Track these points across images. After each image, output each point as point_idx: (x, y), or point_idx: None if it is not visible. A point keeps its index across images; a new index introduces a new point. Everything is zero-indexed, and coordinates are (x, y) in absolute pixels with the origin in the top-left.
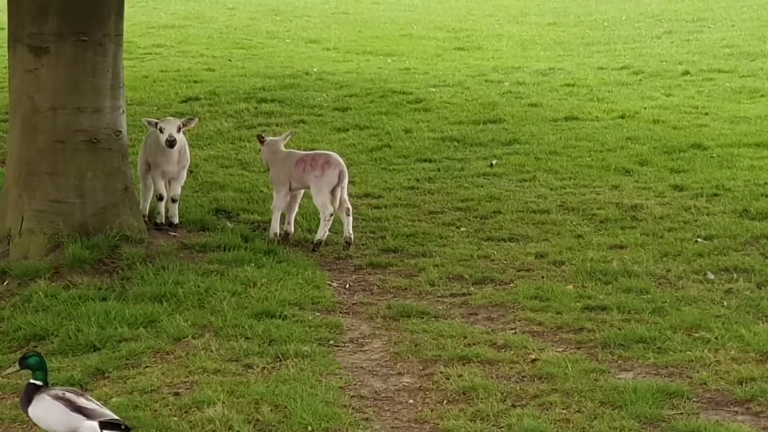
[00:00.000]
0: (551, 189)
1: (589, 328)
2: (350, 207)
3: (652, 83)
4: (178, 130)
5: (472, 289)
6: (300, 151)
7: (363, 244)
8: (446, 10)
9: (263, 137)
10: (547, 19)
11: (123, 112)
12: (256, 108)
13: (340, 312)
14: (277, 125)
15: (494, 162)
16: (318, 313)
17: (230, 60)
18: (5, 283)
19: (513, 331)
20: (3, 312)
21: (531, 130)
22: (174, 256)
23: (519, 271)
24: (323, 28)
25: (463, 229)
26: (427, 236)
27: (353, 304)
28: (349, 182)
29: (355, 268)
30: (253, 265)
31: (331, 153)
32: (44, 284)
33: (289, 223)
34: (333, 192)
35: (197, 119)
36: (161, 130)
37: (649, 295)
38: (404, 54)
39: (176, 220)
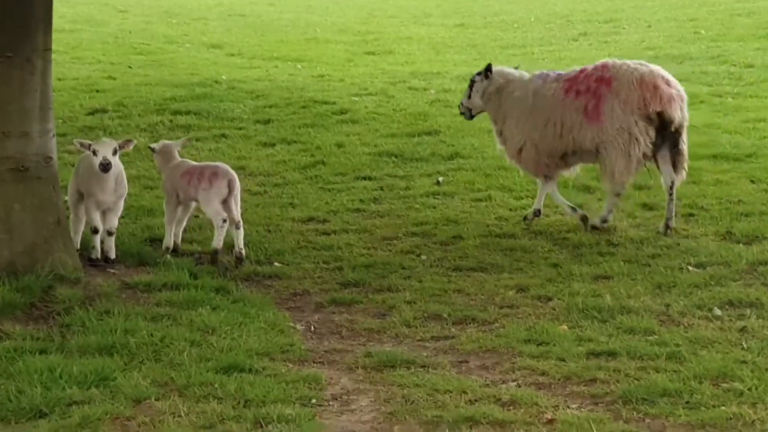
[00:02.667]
0: (511, 210)
1: (603, 379)
2: (241, 220)
3: None
4: (114, 153)
5: (454, 330)
6: (190, 162)
7: (319, 277)
8: (346, 12)
9: (153, 147)
10: (453, 20)
11: (53, 135)
12: (171, 121)
13: (314, 362)
14: (197, 140)
15: (441, 180)
16: (291, 365)
17: (130, 67)
18: None
19: (516, 384)
20: None
21: (471, 142)
22: (116, 298)
23: (502, 308)
24: (223, 31)
25: (424, 257)
26: (387, 267)
27: (326, 351)
28: (289, 204)
29: (316, 306)
30: (207, 306)
31: (220, 164)
32: None
33: (175, 235)
34: (226, 203)
35: (134, 141)
36: (95, 153)
37: (657, 337)
38: (313, 59)
39: (113, 255)
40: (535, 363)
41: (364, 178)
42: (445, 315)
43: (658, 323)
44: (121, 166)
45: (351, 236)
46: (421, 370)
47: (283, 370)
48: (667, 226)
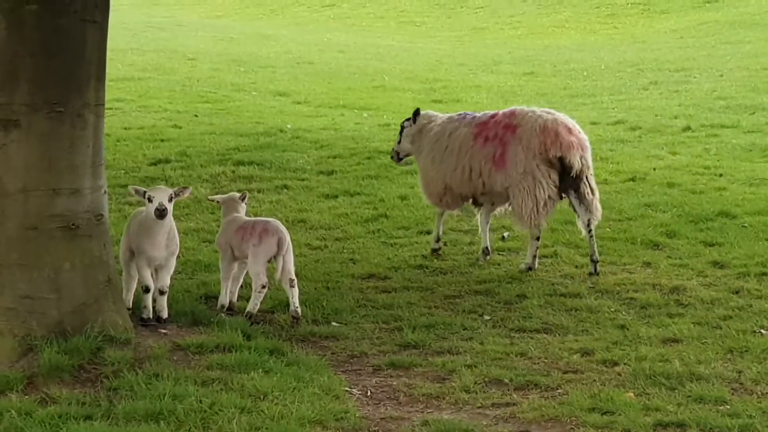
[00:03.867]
0: (576, 267)
1: None
2: (294, 278)
3: (653, 140)
4: (170, 200)
5: (515, 396)
6: (244, 217)
7: (378, 338)
8: (415, 59)
9: (215, 199)
10: (523, 68)
11: (105, 192)
12: (233, 172)
13: (369, 430)
14: (258, 191)
15: (506, 235)
16: None
17: (196, 116)
18: None
19: None
20: None
21: None
22: (167, 360)
23: (566, 372)
24: (290, 79)
25: (487, 317)
26: (448, 327)
27: (382, 419)
28: (349, 260)
29: (373, 369)
30: (260, 370)
31: (271, 220)
32: (17, 399)
33: (232, 292)
34: (275, 262)
35: (190, 189)
36: (150, 199)
37: (729, 407)
38: (380, 108)
39: (165, 315)
40: None
41: (428, 233)
42: (506, 380)
43: (729, 392)
44: (173, 222)
45: (412, 294)
46: None
47: None
48: (593, 261)
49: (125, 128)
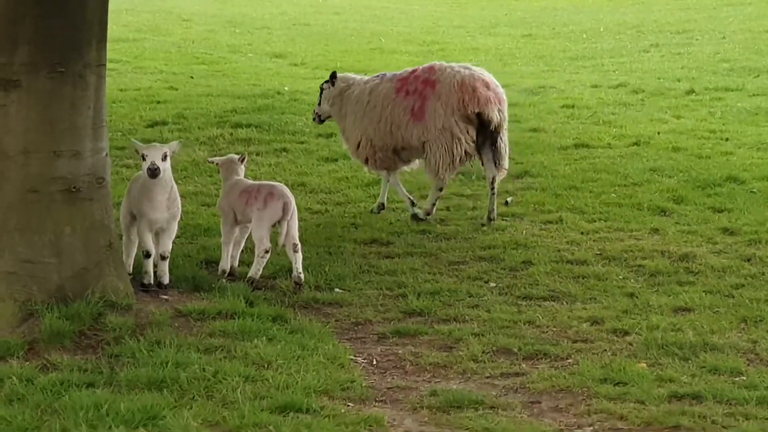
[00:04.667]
0: (582, 233)
1: (687, 426)
2: (298, 243)
3: (656, 103)
4: (163, 159)
5: (525, 366)
6: (248, 181)
7: (382, 305)
8: (412, 21)
9: (215, 161)
10: (521, 30)
11: (106, 155)
12: (231, 134)
13: (376, 401)
14: (257, 154)
15: (509, 199)
16: (351, 404)
17: (192, 77)
18: None
19: (592, 429)
20: None
21: (540, 160)
22: (169, 327)
23: (575, 342)
24: (287, 41)
25: (492, 284)
26: (453, 294)
27: (389, 388)
28: (351, 224)
29: (378, 337)
30: (263, 338)
31: (276, 184)
32: (17, 365)
33: (233, 257)
34: (279, 227)
35: (181, 142)
36: (144, 157)
37: (744, 378)
38: (377, 70)
39: (166, 280)
40: (612, 406)
41: None
42: (515, 349)
43: (745, 362)
44: (174, 184)
45: (416, 260)
46: (490, 411)
47: (342, 410)
48: (489, 218)
49: (121, 90)
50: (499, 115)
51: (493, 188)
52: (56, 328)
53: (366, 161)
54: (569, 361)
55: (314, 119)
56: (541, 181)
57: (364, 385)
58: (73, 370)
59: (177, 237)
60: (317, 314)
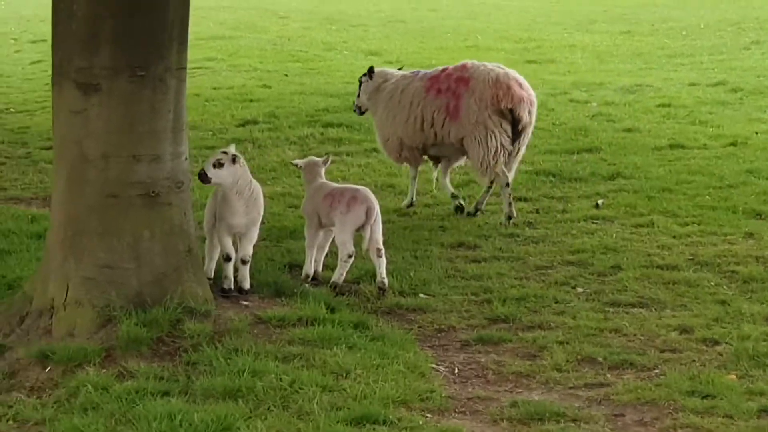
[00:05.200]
0: (674, 237)
1: None
2: (382, 248)
3: (755, 102)
4: (215, 167)
5: (610, 376)
6: (332, 184)
7: (467, 311)
8: (509, 18)
9: (298, 163)
10: (619, 26)
11: (186, 159)
12: (322, 134)
13: (456, 412)
14: (347, 154)
15: (600, 202)
16: (429, 415)
17: (286, 75)
18: (47, 370)
19: None
20: (45, 411)
21: (634, 161)
22: (247, 334)
23: (663, 351)
24: (382, 38)
25: (580, 289)
26: (539, 300)
27: (469, 399)
28: (438, 227)
29: (461, 344)
30: (343, 345)
31: (360, 188)
32: (94, 372)
33: (317, 261)
34: (363, 231)
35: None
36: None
37: None
38: None
39: (247, 285)
40: (699, 420)
41: (520, 199)
42: (600, 359)
43: None
44: (256, 188)
45: (502, 264)
46: (573, 425)
47: (420, 422)
48: (476, 209)
49: (215, 88)
50: (529, 116)
51: (490, 185)
52: (134, 335)
53: (396, 157)
54: (656, 371)
55: (354, 110)
56: (633, 183)
57: (443, 395)
58: (149, 378)
59: (261, 239)
60: (400, 320)
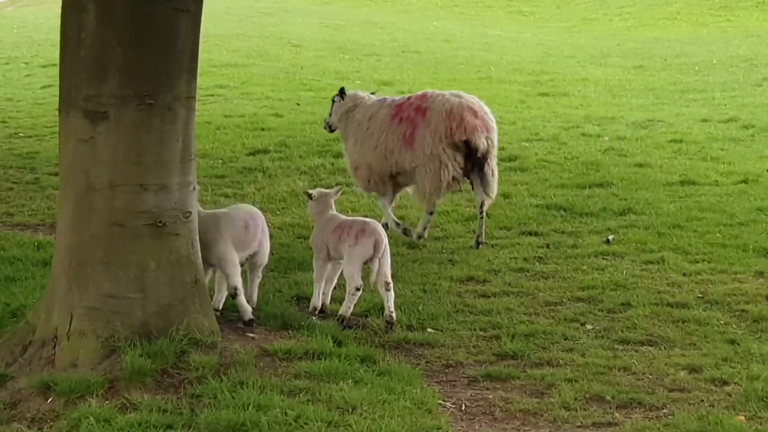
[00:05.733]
0: (684, 275)
1: None
2: (390, 282)
3: (766, 139)
4: None
5: (618, 415)
6: (342, 216)
7: (475, 347)
8: (522, 51)
9: (311, 194)
10: (632, 61)
11: (194, 189)
12: (332, 164)
13: None
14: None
15: (611, 238)
16: None
17: (298, 104)
18: (49, 401)
19: None
20: None
21: (645, 196)
22: (253, 367)
23: (671, 391)
24: (395, 68)
25: (589, 326)
26: (548, 336)
27: None
28: (448, 261)
29: (469, 381)
30: (349, 380)
31: (369, 221)
32: (96, 404)
33: (324, 294)
34: (371, 264)
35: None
36: None
37: None
38: (486, 100)
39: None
40: None
41: (530, 234)
42: (608, 397)
43: None
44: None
45: (512, 300)
46: None
47: None
48: (477, 242)
49: (226, 116)
50: (486, 142)
51: (482, 212)
52: (138, 366)
53: (366, 184)
54: (664, 411)
55: (325, 128)
56: (644, 219)
57: None
58: (152, 411)
59: (269, 270)
60: (408, 355)
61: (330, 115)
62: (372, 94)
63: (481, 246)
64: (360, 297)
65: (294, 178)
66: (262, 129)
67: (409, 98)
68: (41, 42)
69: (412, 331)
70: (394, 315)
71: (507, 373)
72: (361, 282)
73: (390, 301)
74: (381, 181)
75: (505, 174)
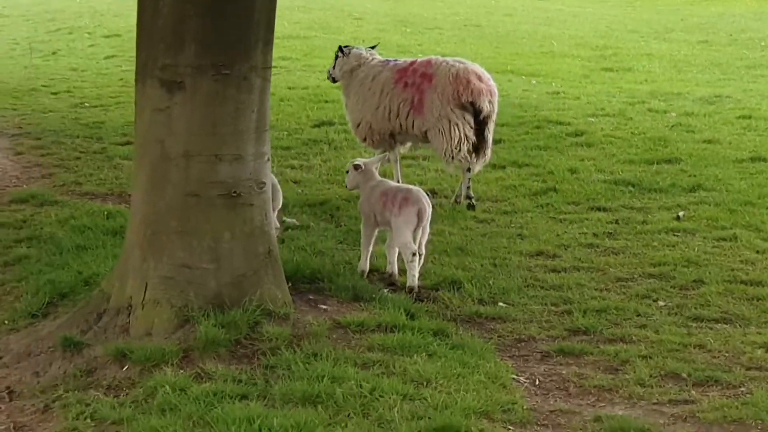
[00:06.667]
0: (758, 252)
1: None
2: (423, 252)
3: None
4: None
5: (694, 393)
6: (389, 183)
7: (546, 321)
8: (584, 25)
9: (359, 164)
10: (696, 36)
11: (268, 159)
12: None
13: (538, 424)
14: (423, 158)
15: (681, 214)
16: (511, 427)
17: None
18: (125, 369)
19: None
20: (122, 410)
21: (715, 173)
22: (326, 339)
23: (748, 369)
24: (457, 42)
25: (661, 303)
26: (621, 312)
27: (551, 411)
28: (517, 235)
29: (541, 355)
30: (423, 353)
31: (413, 188)
32: (171, 373)
33: (390, 263)
34: (414, 232)
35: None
36: None
37: None
38: (548, 74)
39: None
40: None
41: (599, 209)
42: (684, 375)
43: None
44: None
45: (582, 275)
46: None
47: None
48: (456, 201)
49: (289, 88)
50: (490, 106)
51: (469, 174)
52: (212, 336)
53: (364, 140)
54: (742, 389)
55: (328, 78)
56: (714, 196)
57: (525, 407)
58: (227, 381)
59: (338, 242)
60: (480, 329)
61: (333, 68)
62: (372, 48)
63: (458, 204)
64: (421, 263)
65: (360, 150)
66: (326, 101)
67: (412, 63)
68: (103, 12)
69: (483, 305)
70: (416, 285)
71: (580, 349)
72: (415, 247)
73: (415, 269)
74: (380, 137)
75: (571, 149)
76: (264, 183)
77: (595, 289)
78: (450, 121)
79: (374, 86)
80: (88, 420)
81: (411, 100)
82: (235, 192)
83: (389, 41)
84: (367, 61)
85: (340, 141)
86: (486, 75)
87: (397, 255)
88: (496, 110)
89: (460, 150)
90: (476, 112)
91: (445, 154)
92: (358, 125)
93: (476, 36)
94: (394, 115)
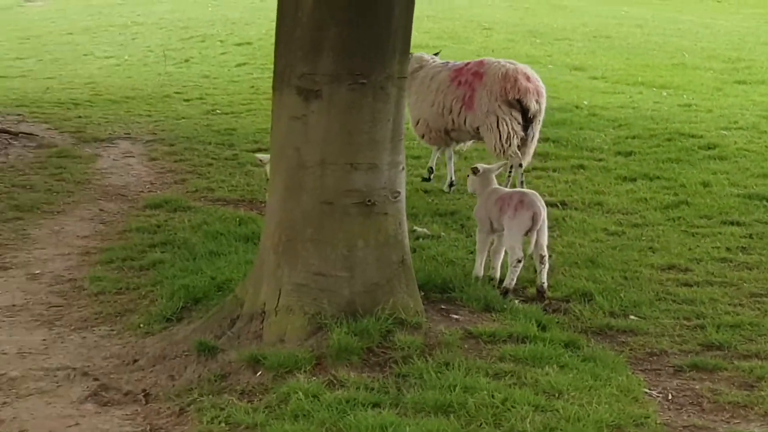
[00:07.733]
0: None
1: None
2: (546, 254)
3: None
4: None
5: None
6: (504, 189)
7: (679, 336)
8: (717, 37)
9: (478, 169)
10: None
11: (402, 168)
12: None
13: None
14: (554, 170)
15: None
16: None
17: None
18: (258, 375)
19: None
20: (256, 415)
21: None
22: (458, 348)
23: None
24: (587, 53)
25: None
26: (755, 329)
27: (684, 427)
28: (648, 248)
29: (674, 370)
30: (554, 365)
31: (528, 192)
32: (304, 380)
33: (494, 268)
34: (529, 236)
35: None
36: None
37: None
38: (680, 86)
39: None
40: None
41: (732, 223)
42: None
43: None
44: None
45: (715, 289)
46: None
47: None
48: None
49: None
50: (537, 105)
51: (513, 169)
52: (344, 344)
53: (422, 137)
54: None
55: None
56: None
57: (658, 422)
58: (360, 389)
59: (469, 252)
60: (611, 342)
61: None
62: (435, 55)
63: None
64: (522, 268)
65: (489, 160)
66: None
67: (467, 64)
68: (235, 20)
69: (614, 318)
70: (546, 285)
71: (714, 364)
72: (522, 254)
73: (543, 273)
74: (437, 135)
75: (704, 162)
76: (399, 192)
77: (729, 304)
78: (498, 117)
79: (432, 85)
80: (222, 424)
81: (463, 97)
82: (369, 201)
83: (519, 51)
84: (428, 62)
85: (470, 151)
86: (534, 76)
87: (501, 260)
88: (543, 110)
89: (510, 145)
90: (524, 110)
91: (495, 149)
92: (417, 123)
93: (606, 47)
94: (447, 111)
